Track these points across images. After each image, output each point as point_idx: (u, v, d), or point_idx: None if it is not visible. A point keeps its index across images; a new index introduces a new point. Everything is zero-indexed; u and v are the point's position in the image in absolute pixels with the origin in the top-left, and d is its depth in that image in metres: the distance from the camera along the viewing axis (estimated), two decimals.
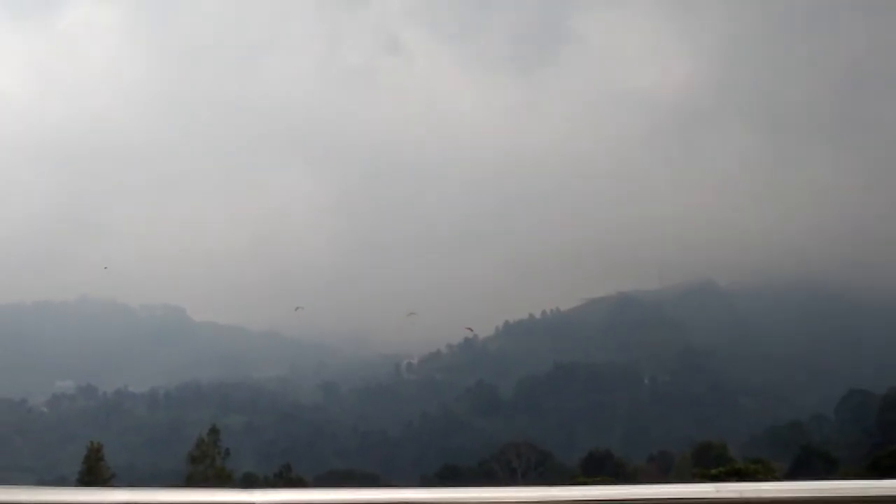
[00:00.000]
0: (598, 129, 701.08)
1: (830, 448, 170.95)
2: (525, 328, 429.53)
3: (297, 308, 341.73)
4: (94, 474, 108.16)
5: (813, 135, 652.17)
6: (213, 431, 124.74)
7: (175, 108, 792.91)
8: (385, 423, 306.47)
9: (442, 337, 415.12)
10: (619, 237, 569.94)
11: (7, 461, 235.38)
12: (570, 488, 6.67)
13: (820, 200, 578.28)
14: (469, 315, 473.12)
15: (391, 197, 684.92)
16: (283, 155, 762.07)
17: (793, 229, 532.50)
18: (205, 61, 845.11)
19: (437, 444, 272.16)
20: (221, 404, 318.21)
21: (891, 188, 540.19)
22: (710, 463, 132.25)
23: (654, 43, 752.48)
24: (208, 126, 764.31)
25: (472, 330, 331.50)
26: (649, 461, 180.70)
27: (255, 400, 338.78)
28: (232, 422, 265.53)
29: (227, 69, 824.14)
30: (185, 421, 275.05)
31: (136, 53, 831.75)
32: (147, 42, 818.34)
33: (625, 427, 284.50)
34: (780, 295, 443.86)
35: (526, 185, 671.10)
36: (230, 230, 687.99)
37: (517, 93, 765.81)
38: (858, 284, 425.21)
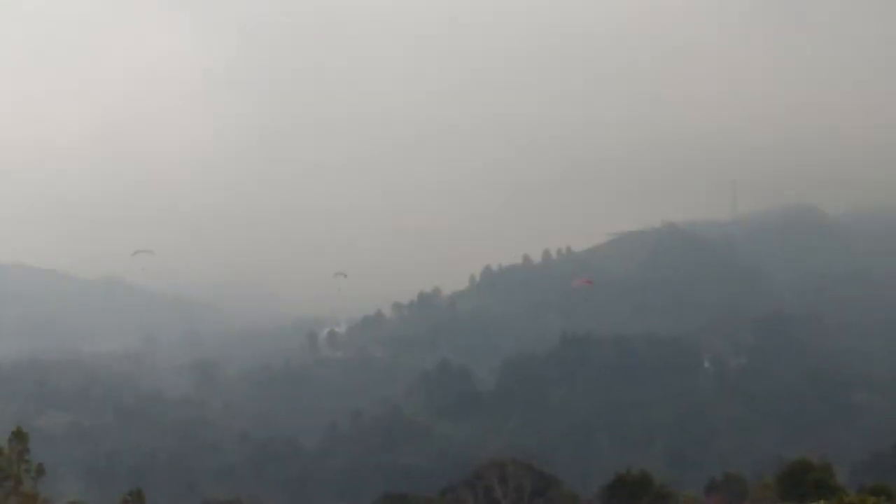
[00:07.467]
0: None
1: None
2: (517, 279, 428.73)
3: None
4: None
5: None
6: (19, 436, 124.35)
7: None
8: (294, 427, 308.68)
9: (385, 292, 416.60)
10: (670, 137, 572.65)
11: None
12: None
13: None
14: (431, 258, 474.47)
15: (312, 62, 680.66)
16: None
17: None
18: None
19: (377, 459, 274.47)
20: (33, 394, 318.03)
21: None
22: (807, 494, 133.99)
23: None
24: None
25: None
26: (709, 490, 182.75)
27: (86, 388, 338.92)
28: (49, 422, 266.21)
29: None
30: None
31: None
32: None
33: (671, 436, 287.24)
34: None
35: (533, 51, 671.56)
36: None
37: None
38: None
